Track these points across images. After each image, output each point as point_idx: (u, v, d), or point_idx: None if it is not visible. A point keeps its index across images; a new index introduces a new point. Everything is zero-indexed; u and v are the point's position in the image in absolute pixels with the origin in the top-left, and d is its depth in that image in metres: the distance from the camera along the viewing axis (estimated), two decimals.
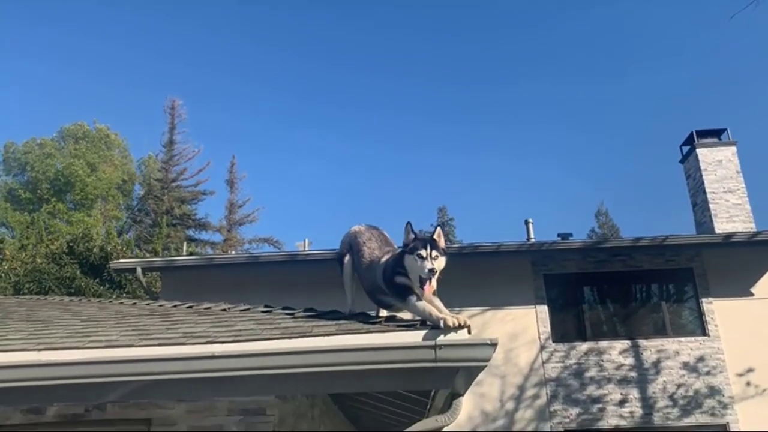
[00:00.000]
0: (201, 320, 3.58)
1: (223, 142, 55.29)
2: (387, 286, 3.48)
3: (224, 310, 4.07)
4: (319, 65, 57.69)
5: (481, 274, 11.10)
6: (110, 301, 5.23)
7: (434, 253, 3.35)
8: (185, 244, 18.36)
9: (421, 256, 3.33)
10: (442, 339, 2.77)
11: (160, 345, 2.79)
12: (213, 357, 2.65)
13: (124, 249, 15.45)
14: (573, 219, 47.21)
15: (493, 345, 2.77)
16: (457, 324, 2.88)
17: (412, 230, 3.49)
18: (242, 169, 38.00)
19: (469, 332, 2.95)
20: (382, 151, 60.81)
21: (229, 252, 31.09)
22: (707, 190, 13.67)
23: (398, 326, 3.03)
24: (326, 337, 2.79)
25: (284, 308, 3.97)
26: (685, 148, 14.83)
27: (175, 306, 4.43)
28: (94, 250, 14.55)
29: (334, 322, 3.25)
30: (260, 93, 56.43)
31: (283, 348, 2.71)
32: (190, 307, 4.34)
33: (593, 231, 33.63)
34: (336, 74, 57.80)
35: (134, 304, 4.94)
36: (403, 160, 59.52)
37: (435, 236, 3.48)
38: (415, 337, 2.81)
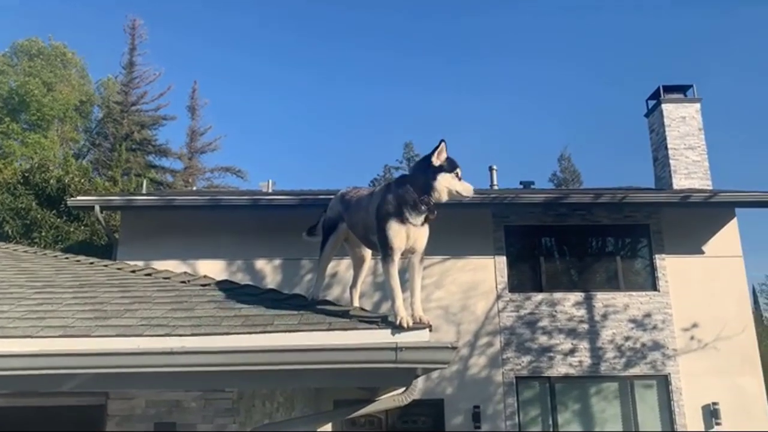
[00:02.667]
0: (159, 298, 3.54)
1: (186, 67, 53.54)
2: (378, 223, 3.40)
3: (184, 282, 4.01)
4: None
5: (442, 223, 10.93)
6: (66, 258, 5.11)
7: (460, 173, 3.44)
8: (144, 181, 17.92)
9: (458, 176, 3.38)
10: (403, 340, 2.79)
11: (117, 336, 2.76)
12: (171, 353, 2.63)
13: (82, 180, 15.04)
14: (536, 162, 47.60)
15: (453, 348, 2.81)
16: (411, 324, 2.92)
17: (446, 150, 3.42)
18: (204, 96, 37.02)
19: (430, 330, 2.98)
20: (350, 90, 59.71)
21: (188, 181, 30.59)
22: (669, 146, 13.83)
23: (361, 321, 3.04)
24: (288, 334, 2.79)
25: (245, 287, 3.93)
26: (651, 103, 14.89)
27: (133, 272, 4.35)
28: (51, 181, 14.14)
29: (296, 312, 3.24)
30: (225, 19, 54.37)
31: (244, 346, 2.70)
32: (149, 275, 4.27)
33: (555, 176, 34.05)
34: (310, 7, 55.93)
35: (91, 264, 4.83)
36: (372, 99, 58.64)
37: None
38: (377, 336, 2.83)
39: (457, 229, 11.20)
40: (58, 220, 13.86)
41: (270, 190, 13.04)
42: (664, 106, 14.14)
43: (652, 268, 11.60)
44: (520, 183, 15.43)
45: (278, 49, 57.42)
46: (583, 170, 34.60)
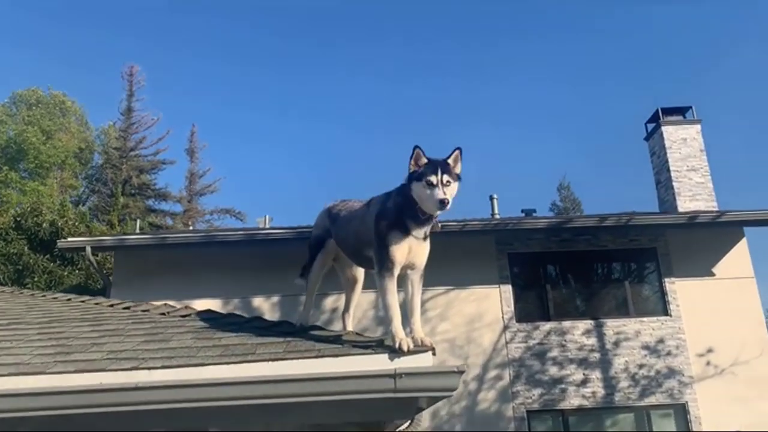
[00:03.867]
0: (133, 330, 3.22)
1: (184, 110, 53.82)
2: (378, 234, 3.12)
3: (163, 314, 3.69)
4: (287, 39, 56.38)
5: (445, 253, 10.82)
6: (43, 296, 4.80)
7: (446, 178, 3.01)
8: (138, 221, 17.67)
9: (430, 183, 2.99)
10: (402, 366, 2.46)
11: (76, 372, 2.43)
12: (136, 389, 2.30)
13: (77, 223, 14.78)
14: (535, 191, 47.31)
15: (460, 372, 2.48)
16: (411, 348, 2.60)
17: (424, 153, 3.12)
18: (203, 138, 37.00)
19: (434, 353, 2.65)
20: (344, 129, 59.91)
21: (188, 224, 30.34)
22: (671, 168, 13.60)
23: (354, 346, 2.71)
24: (271, 363, 2.46)
25: (228, 315, 3.61)
26: (650, 126, 14.73)
27: (111, 306, 4.04)
28: (44, 225, 13.87)
29: (282, 339, 2.91)
30: (223, 65, 54.91)
31: (221, 378, 2.37)
32: (128, 308, 3.95)
33: (555, 205, 33.76)
34: (300, 46, 56.61)
35: (68, 300, 4.51)
36: (371, 132, 58.81)
37: (450, 159, 3.12)
38: (373, 362, 2.50)
39: (460, 259, 10.88)
40: (52, 264, 13.56)
41: (267, 226, 12.75)
42: (663, 128, 13.96)
43: (662, 293, 11.23)
44: (522, 211, 15.13)
45: (278, 95, 57.79)
46: (584, 199, 34.33)
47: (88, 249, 10.02)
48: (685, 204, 13.03)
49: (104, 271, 10.97)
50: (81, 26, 52.02)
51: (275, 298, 10.69)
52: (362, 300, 3.59)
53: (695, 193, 13.36)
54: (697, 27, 51.57)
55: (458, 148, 3.13)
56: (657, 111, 14.26)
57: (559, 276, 11.90)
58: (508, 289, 11.13)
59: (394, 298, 2.98)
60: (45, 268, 13.28)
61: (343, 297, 3.91)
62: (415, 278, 3.20)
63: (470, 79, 56.90)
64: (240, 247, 10.74)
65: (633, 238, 11.46)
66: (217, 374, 2.41)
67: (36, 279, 13.17)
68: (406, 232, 3.09)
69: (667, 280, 11.24)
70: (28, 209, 14.60)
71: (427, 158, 3.09)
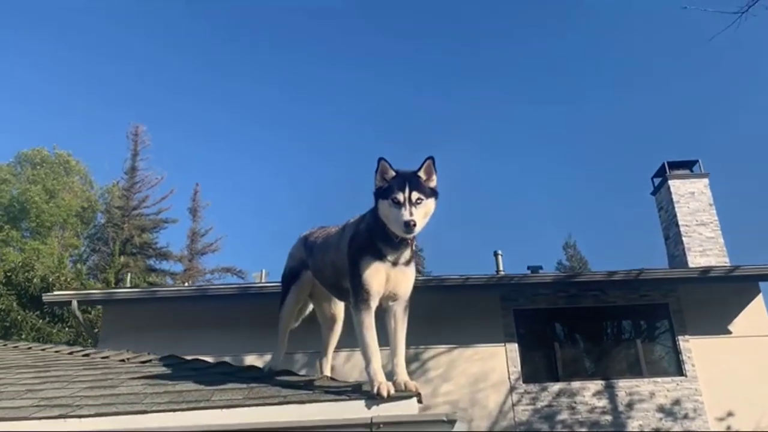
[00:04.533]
0: (81, 377, 2.82)
1: (188, 169, 54.07)
2: (350, 260, 2.77)
3: (123, 360, 3.29)
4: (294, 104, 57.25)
5: (448, 309, 10.40)
6: (5, 345, 4.40)
7: (415, 195, 2.64)
8: (129, 275, 17.29)
9: (396, 201, 2.62)
10: (382, 414, 2.05)
11: None
12: None
13: (70, 280, 14.40)
14: (539, 251, 46.86)
15: (450, 422, 2.07)
16: (392, 393, 2.19)
17: (391, 166, 2.74)
18: (206, 196, 36.94)
19: (420, 400, 2.24)
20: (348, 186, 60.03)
21: (185, 283, 29.95)
22: (680, 222, 13.27)
23: (326, 392, 2.30)
24: (226, 410, 2.06)
25: (192, 361, 3.20)
26: (657, 180, 14.47)
27: (71, 353, 3.64)
28: (35, 280, 13.51)
29: (245, 385, 2.52)
30: (228, 123, 55.52)
31: (162, 427, 1.97)
32: (87, 354, 3.56)
33: (561, 264, 33.28)
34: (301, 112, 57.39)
35: (29, 348, 4.12)
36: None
37: (419, 172, 2.74)
38: (346, 410, 2.09)
39: (464, 316, 10.43)
40: (41, 321, 13.11)
41: (264, 281, 12.34)
42: (670, 182, 13.71)
43: (676, 351, 10.68)
44: (528, 268, 14.72)
45: (282, 154, 58.23)
46: (590, 257, 33.87)
47: (74, 303, 9.61)
48: (695, 259, 12.63)
49: (95, 329, 10.52)
50: (87, 86, 52.93)
51: (268, 356, 10.15)
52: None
53: (706, 248, 12.98)
54: (704, 85, 51.97)
55: (430, 158, 2.76)
56: (663, 165, 14.04)
57: (568, 334, 11.39)
58: (514, 348, 10.60)
59: (371, 335, 2.61)
60: (33, 325, 12.84)
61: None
62: (398, 310, 2.82)
63: (487, 147, 57.28)
64: (233, 302, 10.32)
65: (644, 294, 10.99)
66: (161, 422, 2.01)
67: (24, 336, 12.71)
68: (380, 258, 2.73)
69: (680, 337, 10.71)
70: (20, 264, 14.26)
71: (395, 171, 2.74)
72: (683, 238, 13.07)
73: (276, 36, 55.06)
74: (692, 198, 13.55)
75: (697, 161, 14.03)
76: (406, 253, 2.79)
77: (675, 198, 13.53)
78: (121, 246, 31.87)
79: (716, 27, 6.62)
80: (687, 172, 13.94)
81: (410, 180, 2.67)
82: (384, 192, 2.69)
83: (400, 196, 2.62)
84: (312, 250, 3.22)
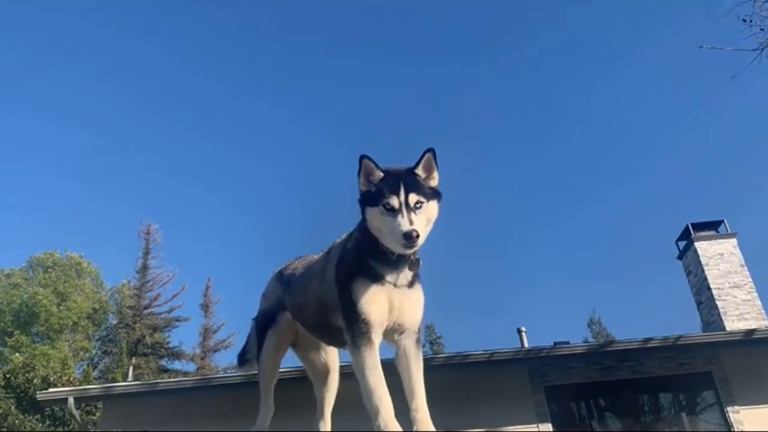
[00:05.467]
0: None
1: (199, 264, 53.86)
2: (339, 286, 2.26)
3: None
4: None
5: (472, 389, 9.63)
6: None
7: (414, 198, 2.13)
8: (131, 368, 16.58)
9: (390, 208, 2.11)
10: None
11: None
12: None
13: (73, 379, 13.71)
14: (563, 330, 45.41)
15: None
16: None
17: (377, 165, 2.23)
18: (218, 290, 36.42)
19: None
20: None
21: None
22: (712, 286, 12.61)
23: None
24: None
25: None
26: (682, 244, 13.90)
27: None
28: (35, 381, 12.83)
29: None
30: (237, 217, 55.80)
31: None
32: None
33: (586, 341, 32.03)
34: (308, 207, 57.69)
35: None
36: None
37: (417, 169, 2.22)
38: None
39: (491, 395, 9.65)
40: (40, 425, 12.33)
41: None
42: (697, 244, 13.14)
43: (727, 424, 9.73)
44: (554, 343, 13.93)
45: (289, 246, 58.00)
46: (618, 333, 32.62)
47: (71, 401, 8.92)
48: (733, 324, 11.89)
49: (86, 426, 9.77)
50: (98, 186, 53.65)
51: None
52: None
53: (743, 311, 12.25)
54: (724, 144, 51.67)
55: (429, 150, 2.26)
56: (687, 227, 13.51)
57: (604, 410, 10.49)
58: (547, 428, 9.71)
59: (376, 376, 2.09)
60: (32, 429, 12.05)
61: None
62: (409, 344, 2.28)
63: (510, 224, 56.93)
64: (241, 390, 9.57)
65: (684, 362, 10.16)
66: None
67: None
68: (377, 279, 2.21)
69: (729, 409, 9.79)
70: (20, 365, 13.63)
71: (383, 170, 2.24)
72: (717, 302, 12.38)
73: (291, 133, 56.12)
74: (722, 259, 12.94)
75: (723, 221, 13.51)
76: (407, 273, 2.25)
77: (703, 260, 12.94)
78: (132, 346, 31.33)
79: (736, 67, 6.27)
80: (713, 233, 13.39)
81: (405, 180, 2.16)
82: (372, 197, 2.17)
83: (395, 201, 2.11)
84: (289, 284, 2.68)
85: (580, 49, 49.32)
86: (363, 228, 2.26)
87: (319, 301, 2.43)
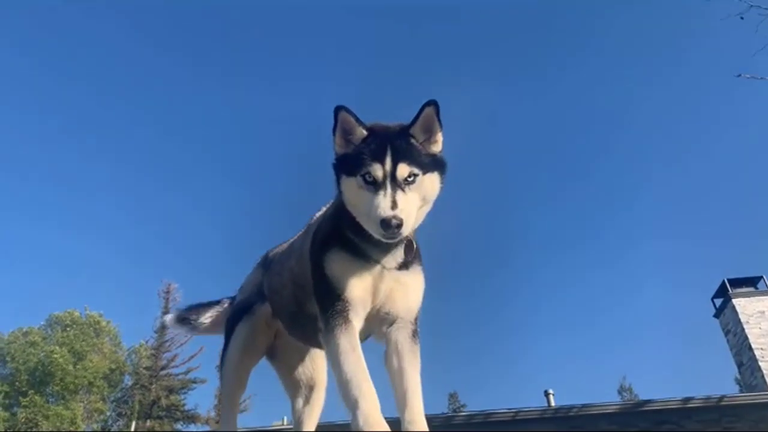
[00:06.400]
0: None
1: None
2: (312, 260, 1.84)
3: None
4: None
5: None
6: None
7: (405, 169, 1.68)
8: (134, 423, 15.89)
9: (371, 181, 1.67)
10: None
11: None
12: None
13: None
14: (591, 397, 43.46)
15: None
16: None
17: (358, 119, 1.77)
18: None
19: None
20: None
21: None
22: (753, 346, 11.83)
23: None
24: None
25: None
26: (718, 301, 13.17)
27: None
28: None
29: None
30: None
31: None
32: None
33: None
34: None
35: None
36: None
37: (413, 128, 1.76)
38: None
39: None
40: None
41: (285, 426, 10.97)
42: (735, 302, 12.44)
43: None
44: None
45: None
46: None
47: None
48: None
49: None
50: (120, 244, 53.91)
51: None
52: None
53: None
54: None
55: (431, 103, 1.78)
56: (723, 283, 12.81)
57: None
58: None
59: (354, 361, 1.67)
60: None
61: None
62: (402, 338, 1.82)
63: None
64: None
65: (728, 426, 9.32)
66: None
67: None
68: (358, 255, 1.79)
69: None
70: (22, 420, 13.06)
71: (367, 127, 1.79)
72: (760, 364, 11.55)
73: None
74: (763, 318, 12.19)
75: (762, 277, 12.80)
76: (399, 252, 1.81)
77: (743, 318, 12.21)
78: (147, 408, 30.65)
79: None
80: (751, 289, 12.67)
81: (395, 143, 1.71)
82: (349, 163, 1.74)
83: (377, 171, 1.68)
84: (271, 266, 2.26)
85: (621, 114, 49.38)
86: (339, 202, 1.84)
87: (295, 284, 2.02)
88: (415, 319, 1.86)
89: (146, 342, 36.09)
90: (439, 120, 1.79)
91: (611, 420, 9.33)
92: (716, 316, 13.11)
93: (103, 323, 38.17)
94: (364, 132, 1.77)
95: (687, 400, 9.09)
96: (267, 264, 2.33)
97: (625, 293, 54.75)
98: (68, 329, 36.03)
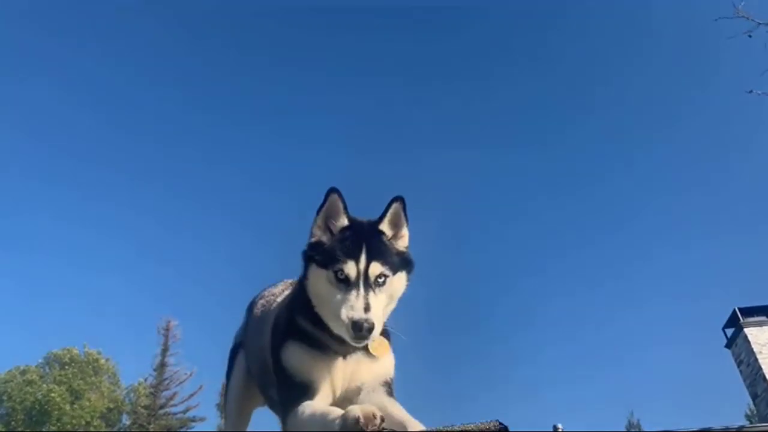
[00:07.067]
0: None
1: (218, 361, 52.51)
2: (273, 360, 1.77)
3: None
4: None
5: None
6: None
7: (377, 268, 1.64)
8: None
9: (343, 279, 1.62)
10: None
11: None
12: None
13: None
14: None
15: None
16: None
17: (346, 208, 1.75)
18: None
19: None
20: None
21: None
22: None
23: None
24: None
25: None
26: (729, 331, 12.94)
27: None
28: None
29: None
30: None
31: None
32: None
33: None
34: None
35: None
36: None
37: (383, 224, 1.73)
38: None
39: None
40: None
41: None
42: (747, 331, 12.24)
43: None
44: None
45: None
46: None
47: None
48: None
49: None
50: (122, 278, 53.57)
51: None
52: None
53: None
54: None
55: (398, 199, 1.77)
56: (734, 312, 12.60)
57: None
58: None
59: (312, 411, 1.64)
60: None
61: None
62: (376, 397, 1.76)
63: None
64: None
65: None
66: None
67: None
68: (316, 346, 1.75)
69: None
70: None
71: (350, 218, 1.76)
72: None
73: None
74: None
75: None
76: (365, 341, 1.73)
77: (755, 348, 11.96)
78: None
79: None
80: (763, 318, 12.45)
81: (369, 240, 1.68)
82: (323, 255, 1.69)
83: (351, 270, 1.63)
84: (247, 326, 2.22)
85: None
86: (301, 286, 1.77)
87: (261, 368, 1.96)
88: (387, 384, 1.80)
89: (145, 380, 35.59)
90: (405, 215, 1.78)
91: None
92: (727, 346, 12.87)
93: (102, 361, 37.75)
94: (346, 222, 1.73)
95: (706, 431, 8.84)
96: (248, 315, 2.27)
97: (631, 323, 54.26)
98: (66, 367, 35.61)
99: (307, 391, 1.67)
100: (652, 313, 53.55)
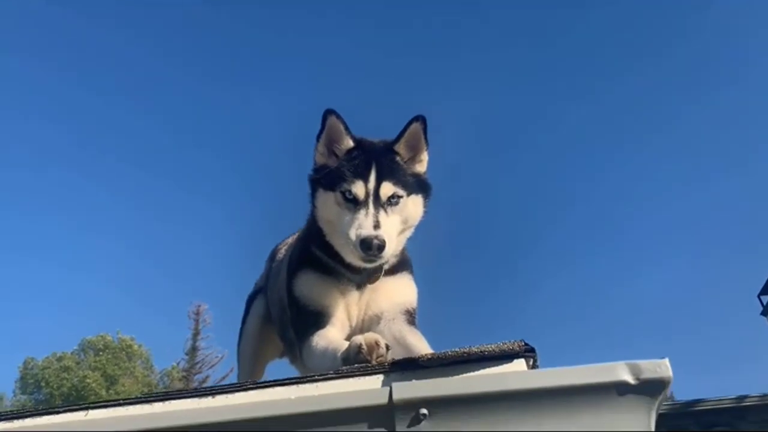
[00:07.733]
0: None
1: None
2: (287, 292, 1.71)
3: None
4: None
5: None
6: None
7: (388, 188, 1.56)
8: None
9: (351, 198, 1.54)
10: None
11: None
12: None
13: None
14: None
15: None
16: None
17: (348, 128, 1.64)
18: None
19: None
20: None
21: None
22: None
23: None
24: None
25: None
26: (765, 298, 12.63)
27: None
28: None
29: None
30: None
31: None
32: None
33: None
34: None
35: None
36: None
37: (398, 145, 1.63)
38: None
39: None
40: None
41: None
42: None
43: None
44: None
45: None
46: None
47: None
48: None
49: None
50: (151, 265, 54.46)
51: None
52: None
53: None
54: None
55: (418, 119, 1.65)
56: None
57: None
58: None
59: (325, 341, 1.58)
60: None
61: None
62: (395, 327, 1.68)
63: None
64: None
65: None
66: None
67: None
68: (334, 275, 1.68)
69: None
70: None
71: (355, 138, 1.67)
72: None
73: None
74: None
75: None
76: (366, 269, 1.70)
77: None
78: None
79: None
80: None
81: (380, 160, 1.60)
82: (328, 177, 1.63)
83: (359, 189, 1.57)
84: (268, 277, 2.17)
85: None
86: (312, 217, 1.73)
87: (281, 304, 1.89)
88: (409, 313, 1.73)
89: (177, 364, 36.22)
90: (425, 137, 1.70)
91: (658, 423, 8.90)
92: (764, 314, 12.58)
93: (135, 347, 38.49)
94: (351, 143, 1.66)
95: (741, 398, 8.65)
96: (270, 261, 2.24)
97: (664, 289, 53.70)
98: (101, 354, 36.39)
99: (321, 319, 1.63)
100: (686, 278, 52.87)
